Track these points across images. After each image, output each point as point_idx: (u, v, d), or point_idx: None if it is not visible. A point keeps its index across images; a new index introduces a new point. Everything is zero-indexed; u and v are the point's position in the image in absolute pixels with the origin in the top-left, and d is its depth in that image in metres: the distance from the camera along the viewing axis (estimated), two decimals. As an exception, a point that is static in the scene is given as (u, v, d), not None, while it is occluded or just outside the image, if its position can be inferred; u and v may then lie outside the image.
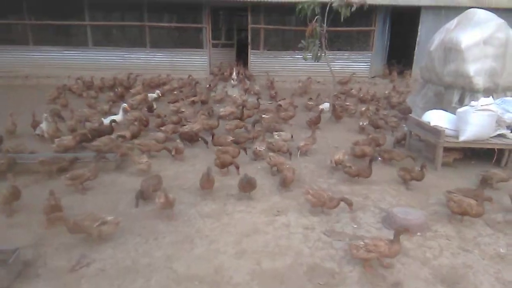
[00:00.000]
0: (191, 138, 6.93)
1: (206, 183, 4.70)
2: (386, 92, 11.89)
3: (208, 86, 11.83)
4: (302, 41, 8.35)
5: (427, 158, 6.27)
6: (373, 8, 13.63)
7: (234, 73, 12.86)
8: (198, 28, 14.02)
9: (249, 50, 14.06)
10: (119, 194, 4.77)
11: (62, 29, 13.66)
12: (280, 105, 9.49)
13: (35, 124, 7.14)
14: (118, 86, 11.19)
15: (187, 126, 7.34)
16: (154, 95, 10.46)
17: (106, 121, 7.41)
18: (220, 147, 6.03)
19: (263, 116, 8.34)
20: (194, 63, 13.99)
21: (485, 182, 5.23)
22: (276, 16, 14.08)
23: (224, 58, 14.98)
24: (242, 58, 14.86)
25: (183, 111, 8.71)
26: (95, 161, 4.91)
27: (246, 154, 6.15)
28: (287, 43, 14.07)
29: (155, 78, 12.21)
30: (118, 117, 7.70)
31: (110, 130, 6.78)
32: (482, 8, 7.64)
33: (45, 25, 13.46)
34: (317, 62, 8.57)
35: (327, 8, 8.76)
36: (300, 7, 8.67)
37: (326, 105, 9.85)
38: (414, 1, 13.70)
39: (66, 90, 10.80)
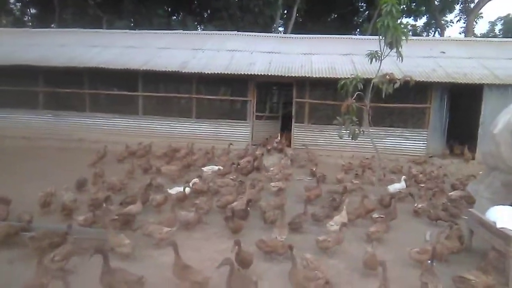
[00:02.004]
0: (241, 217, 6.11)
1: None
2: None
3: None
4: (338, 117, 7.73)
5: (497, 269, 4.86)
6: (429, 85, 12.82)
7: (278, 138, 13.16)
8: (243, 101, 14.16)
9: (292, 123, 13.70)
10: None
11: (116, 98, 14.57)
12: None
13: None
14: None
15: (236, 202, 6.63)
16: (216, 167, 9.84)
17: (173, 191, 7.16)
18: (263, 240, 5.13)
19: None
20: (237, 134, 13.90)
21: None
22: (322, 90, 13.84)
23: (267, 130, 14.74)
24: (286, 131, 14.52)
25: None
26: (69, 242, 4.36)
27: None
28: (333, 117, 13.54)
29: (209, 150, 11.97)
30: (187, 191, 7.31)
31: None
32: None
33: (102, 94, 14.51)
34: (354, 140, 7.78)
35: (372, 84, 8.20)
36: (342, 83, 8.24)
37: (396, 186, 8.61)
38: (475, 79, 12.66)
39: (104, 158, 10.81)
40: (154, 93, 14.32)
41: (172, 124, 14.06)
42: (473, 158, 12.82)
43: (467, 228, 5.88)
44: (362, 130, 7.91)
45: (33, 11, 32.84)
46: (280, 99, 17.45)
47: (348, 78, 8.21)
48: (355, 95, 7.74)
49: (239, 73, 13.28)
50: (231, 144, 12.53)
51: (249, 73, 13.28)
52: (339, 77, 11.13)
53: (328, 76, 12.78)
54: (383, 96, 7.40)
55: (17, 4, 31.86)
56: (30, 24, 30.95)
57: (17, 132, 13.86)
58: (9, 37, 17.29)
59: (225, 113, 14.73)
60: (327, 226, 5.99)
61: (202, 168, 9.88)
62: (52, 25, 28.03)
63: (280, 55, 14.87)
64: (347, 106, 7.24)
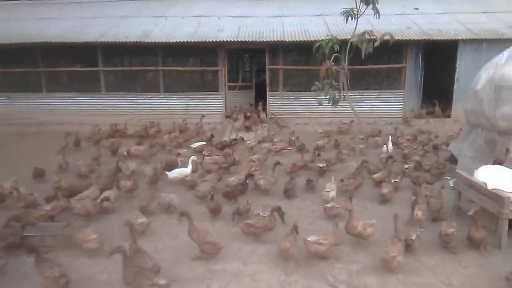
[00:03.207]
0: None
1: None
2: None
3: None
4: (316, 83, 7.25)
5: (486, 228, 4.68)
6: (404, 43, 12.46)
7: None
8: (213, 71, 13.37)
9: (267, 91, 13.11)
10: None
11: (75, 75, 13.44)
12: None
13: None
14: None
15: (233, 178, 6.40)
16: (200, 143, 9.31)
17: (172, 174, 6.63)
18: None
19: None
20: (209, 106, 13.16)
21: None
22: (296, 55, 13.24)
23: (241, 100, 14.08)
24: (262, 100, 13.92)
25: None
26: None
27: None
28: (309, 83, 13.07)
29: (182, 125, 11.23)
30: (187, 170, 6.79)
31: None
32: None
33: (58, 72, 13.33)
34: (335, 106, 7.37)
35: (348, 45, 7.73)
36: (317, 45, 7.70)
37: (390, 146, 8.57)
38: (450, 35, 12.38)
39: (79, 144, 9.83)
40: (117, 68, 13.27)
41: (139, 100, 13.14)
42: (449, 116, 12.81)
43: (455, 190, 5.70)
44: (343, 95, 7.48)
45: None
46: (252, 67, 16.74)
47: (323, 40, 7.68)
48: (332, 58, 7.23)
49: (207, 41, 12.39)
50: (203, 116, 11.89)
51: (218, 40, 12.41)
52: (313, 39, 10.57)
53: (302, 39, 12.13)
54: (363, 56, 6.96)
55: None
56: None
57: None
58: None
59: (196, 85, 13.96)
60: (323, 195, 5.78)
61: (191, 145, 9.31)
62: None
63: (250, 19, 13.99)
64: (326, 70, 6.74)
